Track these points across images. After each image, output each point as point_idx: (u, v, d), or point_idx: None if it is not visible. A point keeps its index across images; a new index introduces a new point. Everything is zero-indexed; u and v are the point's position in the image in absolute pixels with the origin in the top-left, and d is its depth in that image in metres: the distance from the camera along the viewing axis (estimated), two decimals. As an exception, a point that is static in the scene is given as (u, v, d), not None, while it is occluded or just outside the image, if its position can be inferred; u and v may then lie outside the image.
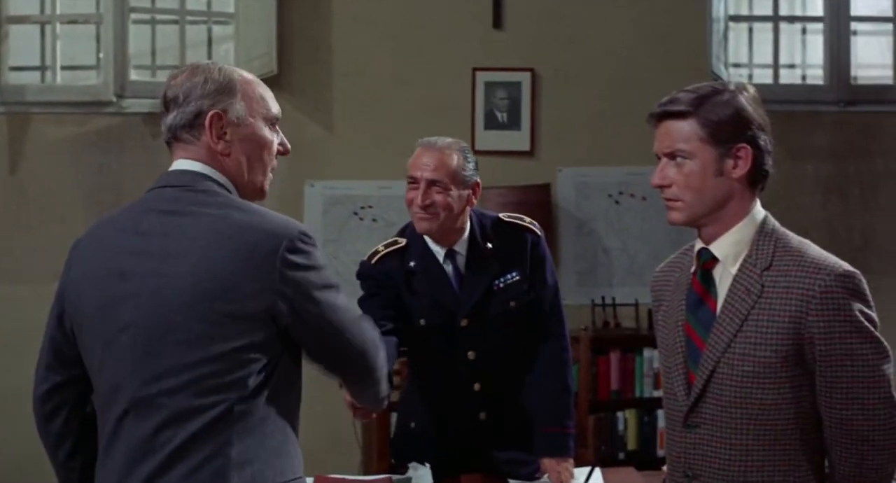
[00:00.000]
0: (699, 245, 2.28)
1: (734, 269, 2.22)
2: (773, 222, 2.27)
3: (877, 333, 2.13)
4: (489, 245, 3.19)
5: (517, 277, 3.20)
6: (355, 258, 5.03)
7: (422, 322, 3.16)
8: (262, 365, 2.01)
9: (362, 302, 3.16)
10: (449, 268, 3.17)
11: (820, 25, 5.43)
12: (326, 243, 5.08)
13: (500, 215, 3.27)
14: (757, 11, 5.50)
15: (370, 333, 2.19)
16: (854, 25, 5.41)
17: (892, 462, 2.18)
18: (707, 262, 2.26)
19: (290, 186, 4.91)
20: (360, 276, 3.22)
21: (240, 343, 1.98)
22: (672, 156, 2.21)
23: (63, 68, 5.16)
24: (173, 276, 2.00)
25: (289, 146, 2.25)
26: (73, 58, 5.22)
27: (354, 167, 5.14)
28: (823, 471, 2.24)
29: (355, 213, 5.14)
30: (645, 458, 4.74)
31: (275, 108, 2.22)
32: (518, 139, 5.19)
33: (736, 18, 5.43)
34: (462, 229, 3.17)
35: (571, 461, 3.24)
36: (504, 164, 5.08)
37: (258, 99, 2.17)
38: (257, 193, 2.21)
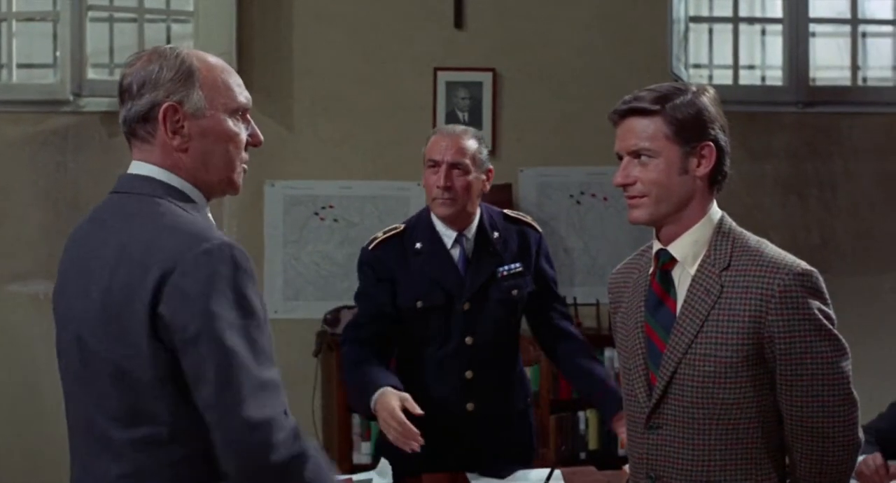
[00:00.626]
0: (657, 246, 2.28)
1: (693, 270, 2.22)
2: (730, 222, 2.28)
3: (835, 331, 2.15)
4: (496, 234, 3.29)
5: (520, 268, 3.30)
6: (316, 259, 5.07)
7: (419, 304, 3.22)
8: (182, 395, 1.81)
9: (359, 297, 3.28)
10: (456, 252, 3.26)
11: (779, 27, 5.47)
12: (287, 244, 5.05)
13: (504, 211, 3.39)
14: (717, 13, 5.52)
15: (269, 407, 1.81)
16: (812, 27, 5.44)
17: (851, 459, 2.20)
18: (666, 262, 2.26)
19: (250, 186, 4.86)
20: (358, 264, 3.32)
21: (151, 374, 1.81)
22: (636, 154, 2.21)
23: (19, 66, 5.09)
24: (90, 300, 1.86)
25: (261, 137, 2.06)
26: (29, 56, 5.16)
27: (315, 167, 5.11)
28: (784, 468, 2.25)
29: (316, 214, 5.11)
30: (606, 458, 4.75)
31: (241, 96, 2.01)
32: (479, 139, 5.18)
33: (696, 19, 5.45)
34: (473, 215, 3.27)
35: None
36: (465, 164, 5.09)
37: (220, 87, 1.98)
38: (226, 188, 2.02)
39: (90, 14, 5.04)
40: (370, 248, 3.28)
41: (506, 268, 3.27)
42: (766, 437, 2.19)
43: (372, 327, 3.21)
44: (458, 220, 3.24)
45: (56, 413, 5.30)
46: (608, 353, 4.92)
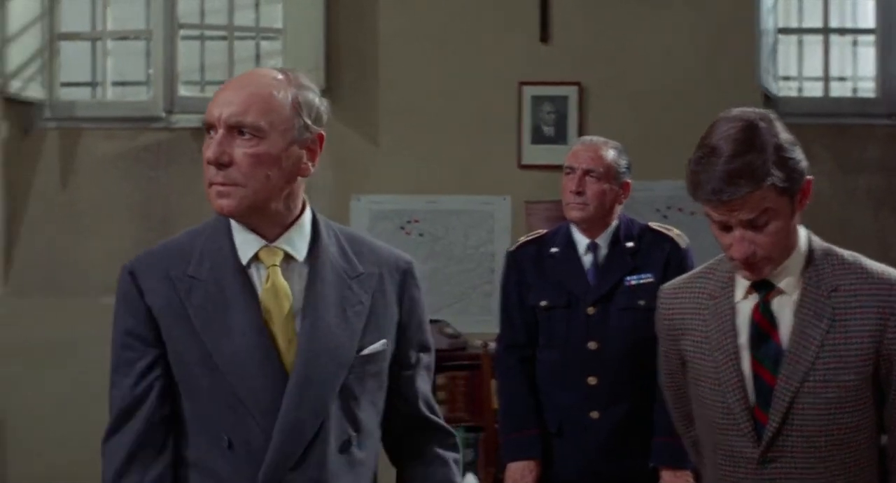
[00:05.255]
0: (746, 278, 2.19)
1: (795, 296, 2.15)
2: (815, 238, 2.21)
3: None
4: (629, 244, 3.34)
5: (651, 279, 3.29)
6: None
7: (542, 303, 3.34)
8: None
9: (505, 297, 3.46)
10: (588, 258, 3.34)
11: (871, 37, 5.37)
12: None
13: (649, 223, 3.45)
14: (807, 23, 5.44)
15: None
16: (906, 37, 5.35)
17: None
18: (768, 293, 2.18)
19: (336, 201, 4.90)
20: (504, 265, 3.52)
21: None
22: (754, 222, 2.07)
23: (113, 84, 5.22)
24: None
25: (207, 153, 2.01)
26: (122, 74, 5.28)
27: (401, 181, 5.14)
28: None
29: (402, 228, 5.13)
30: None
31: (207, 114, 2.00)
32: (565, 153, 5.09)
33: (785, 31, 5.38)
34: (608, 224, 3.35)
35: (689, 473, 3.21)
36: (551, 179, 5.01)
37: None
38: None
39: (182, 32, 5.15)
40: (512, 249, 3.49)
41: (634, 277, 3.31)
42: (876, 455, 2.17)
43: (524, 328, 3.37)
44: (591, 228, 3.34)
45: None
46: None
